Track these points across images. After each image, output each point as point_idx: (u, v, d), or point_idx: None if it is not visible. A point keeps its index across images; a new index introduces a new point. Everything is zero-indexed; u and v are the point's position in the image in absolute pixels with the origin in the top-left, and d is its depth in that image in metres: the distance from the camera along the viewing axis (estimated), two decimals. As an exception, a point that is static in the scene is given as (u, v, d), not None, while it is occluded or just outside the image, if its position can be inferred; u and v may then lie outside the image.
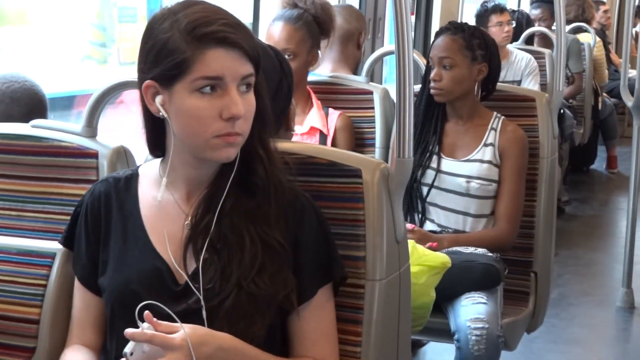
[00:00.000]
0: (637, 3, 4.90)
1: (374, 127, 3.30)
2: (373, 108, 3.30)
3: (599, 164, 7.90)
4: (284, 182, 1.76)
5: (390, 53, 3.71)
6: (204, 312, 1.66)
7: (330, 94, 3.32)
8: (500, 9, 5.58)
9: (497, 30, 5.39)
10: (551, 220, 3.26)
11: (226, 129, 1.65)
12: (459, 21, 3.66)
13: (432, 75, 3.10)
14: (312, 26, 3.12)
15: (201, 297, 1.67)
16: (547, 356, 4.11)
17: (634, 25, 5.32)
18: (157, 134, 1.76)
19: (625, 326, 4.63)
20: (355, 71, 3.61)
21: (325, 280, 1.78)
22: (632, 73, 4.76)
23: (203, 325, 1.66)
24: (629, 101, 4.68)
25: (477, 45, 3.11)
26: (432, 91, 3.11)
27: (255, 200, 1.72)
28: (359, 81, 3.41)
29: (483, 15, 5.55)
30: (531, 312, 3.20)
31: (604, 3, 8.80)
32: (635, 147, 4.74)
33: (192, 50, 1.63)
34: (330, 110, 3.23)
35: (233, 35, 1.65)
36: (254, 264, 1.68)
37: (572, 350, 4.27)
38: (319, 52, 3.17)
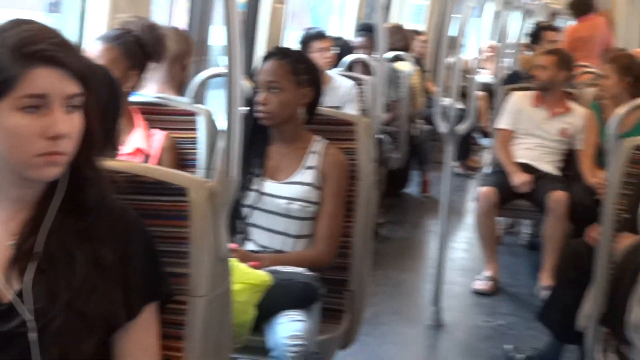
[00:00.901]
0: (450, 35, 5.10)
1: (196, 149, 3.31)
2: (196, 129, 3.31)
3: (412, 188, 8.12)
4: (113, 201, 1.76)
5: (216, 75, 3.74)
6: (32, 334, 1.64)
7: (156, 114, 3.30)
8: (321, 36, 5.73)
9: (318, 55, 5.51)
10: (367, 241, 3.35)
11: (48, 148, 1.64)
12: (284, 46, 3.74)
13: (259, 98, 3.15)
14: (132, 47, 3.07)
15: (32, 318, 1.64)
16: (359, 373, 4.20)
17: (448, 55, 5.54)
18: None
19: (433, 342, 4.76)
20: (181, 92, 3.63)
21: (152, 297, 1.80)
22: (447, 101, 4.96)
23: (28, 346, 1.64)
24: (443, 128, 4.89)
25: (302, 70, 3.18)
26: (259, 114, 3.15)
27: (85, 220, 1.72)
28: (183, 102, 3.41)
29: (306, 41, 5.67)
30: (345, 329, 3.25)
31: (421, 33, 9.12)
32: (447, 172, 4.96)
33: (18, 68, 1.62)
34: (156, 131, 3.21)
35: (60, 54, 1.65)
36: (85, 283, 1.68)
37: (384, 367, 4.39)
38: (142, 74, 3.14)
